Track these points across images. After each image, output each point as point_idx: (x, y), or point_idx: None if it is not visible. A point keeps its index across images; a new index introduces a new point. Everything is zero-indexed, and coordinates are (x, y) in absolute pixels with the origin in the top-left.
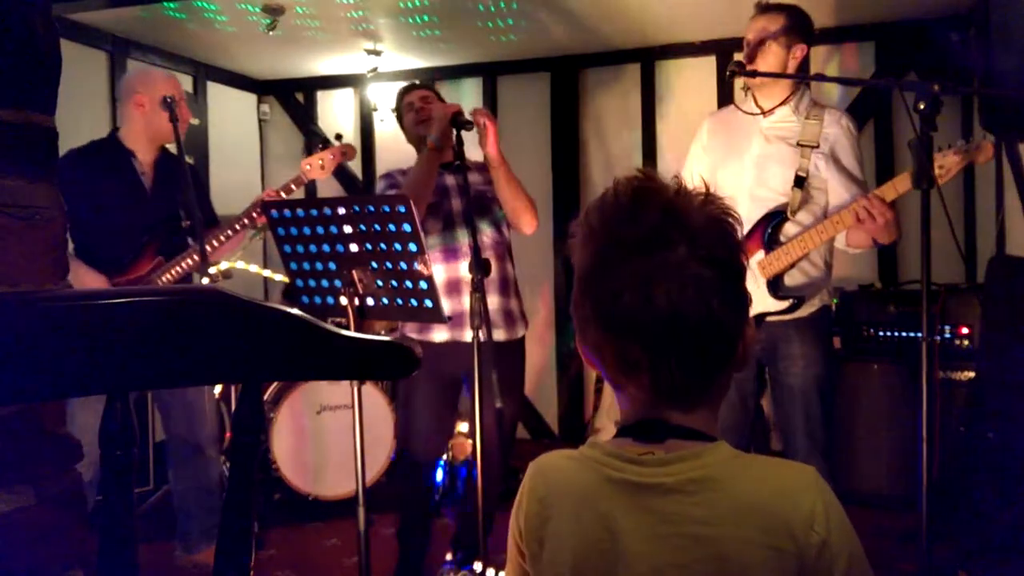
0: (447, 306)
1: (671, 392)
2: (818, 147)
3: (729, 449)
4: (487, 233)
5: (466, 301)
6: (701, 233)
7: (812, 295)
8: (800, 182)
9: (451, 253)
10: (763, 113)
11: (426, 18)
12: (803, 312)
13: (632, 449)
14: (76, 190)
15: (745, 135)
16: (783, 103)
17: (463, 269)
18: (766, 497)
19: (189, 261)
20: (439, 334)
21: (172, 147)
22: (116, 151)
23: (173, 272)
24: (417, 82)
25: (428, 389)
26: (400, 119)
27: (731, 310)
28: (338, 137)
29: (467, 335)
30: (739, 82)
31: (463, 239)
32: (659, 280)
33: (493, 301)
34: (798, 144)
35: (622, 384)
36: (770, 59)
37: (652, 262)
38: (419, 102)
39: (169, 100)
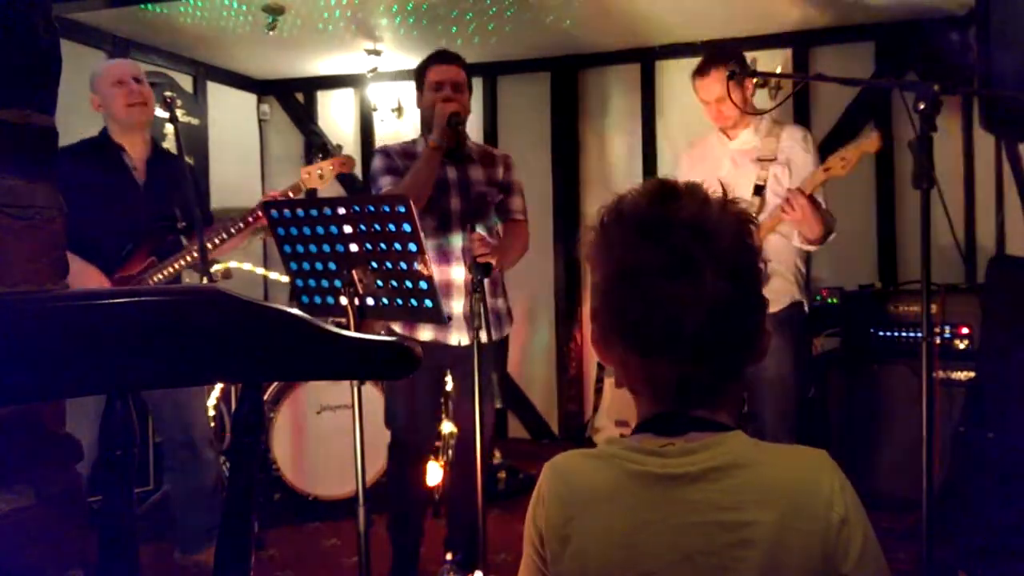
0: None
1: (698, 398)
2: (775, 159)
3: (746, 437)
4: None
5: (455, 306)
6: (725, 249)
7: (774, 293)
8: (759, 191)
9: (444, 256)
10: (729, 138)
11: (424, 21)
12: (771, 309)
13: (652, 442)
14: (69, 189)
15: (717, 160)
16: (745, 127)
17: (455, 273)
18: (787, 480)
19: (182, 262)
20: (425, 333)
21: (170, 146)
22: (106, 148)
23: (166, 272)
24: (447, 51)
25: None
26: (420, 88)
27: (752, 316)
28: (338, 148)
29: (452, 338)
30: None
31: (457, 242)
32: (687, 306)
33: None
34: (758, 160)
35: (643, 391)
36: (737, 101)
37: (679, 287)
38: (450, 88)
39: (169, 99)
